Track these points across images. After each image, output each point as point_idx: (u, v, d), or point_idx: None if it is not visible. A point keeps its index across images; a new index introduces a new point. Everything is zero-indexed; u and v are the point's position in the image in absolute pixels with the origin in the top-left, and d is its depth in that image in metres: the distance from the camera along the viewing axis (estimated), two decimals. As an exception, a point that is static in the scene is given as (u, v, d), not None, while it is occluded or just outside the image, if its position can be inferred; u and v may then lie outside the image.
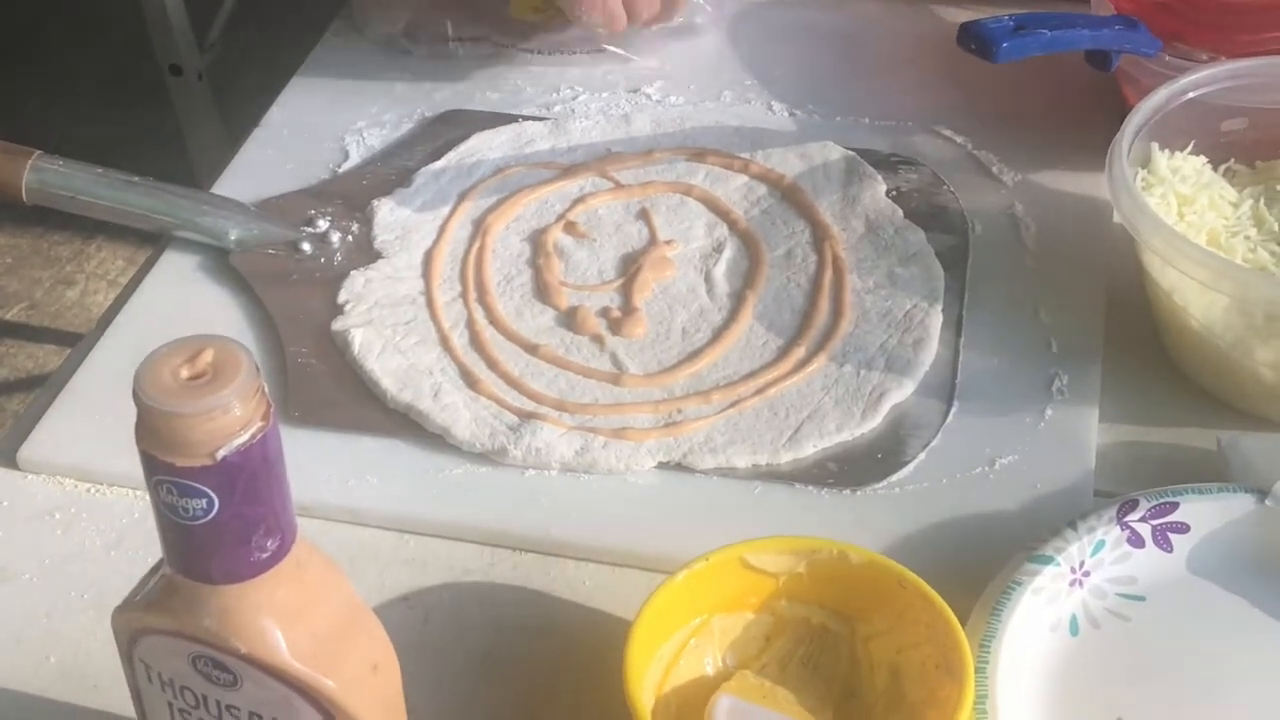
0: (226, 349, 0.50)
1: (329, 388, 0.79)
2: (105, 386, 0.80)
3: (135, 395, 0.48)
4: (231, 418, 0.48)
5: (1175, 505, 0.68)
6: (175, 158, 1.57)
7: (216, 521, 0.50)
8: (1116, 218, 0.88)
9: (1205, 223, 0.80)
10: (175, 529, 0.50)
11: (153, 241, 0.89)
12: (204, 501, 0.49)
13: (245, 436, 0.49)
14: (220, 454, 0.48)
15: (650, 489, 0.75)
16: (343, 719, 0.54)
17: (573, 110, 0.99)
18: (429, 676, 0.65)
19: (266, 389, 0.50)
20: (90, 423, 0.78)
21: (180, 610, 0.52)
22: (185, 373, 0.49)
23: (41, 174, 0.86)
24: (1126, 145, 0.79)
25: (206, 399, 0.48)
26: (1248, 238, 0.79)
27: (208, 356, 0.49)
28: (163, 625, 0.54)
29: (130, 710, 0.62)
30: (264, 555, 0.51)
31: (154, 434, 0.49)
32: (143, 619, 0.54)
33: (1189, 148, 0.83)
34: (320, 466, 0.75)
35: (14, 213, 2.39)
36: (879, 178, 0.91)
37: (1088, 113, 0.94)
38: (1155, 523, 0.68)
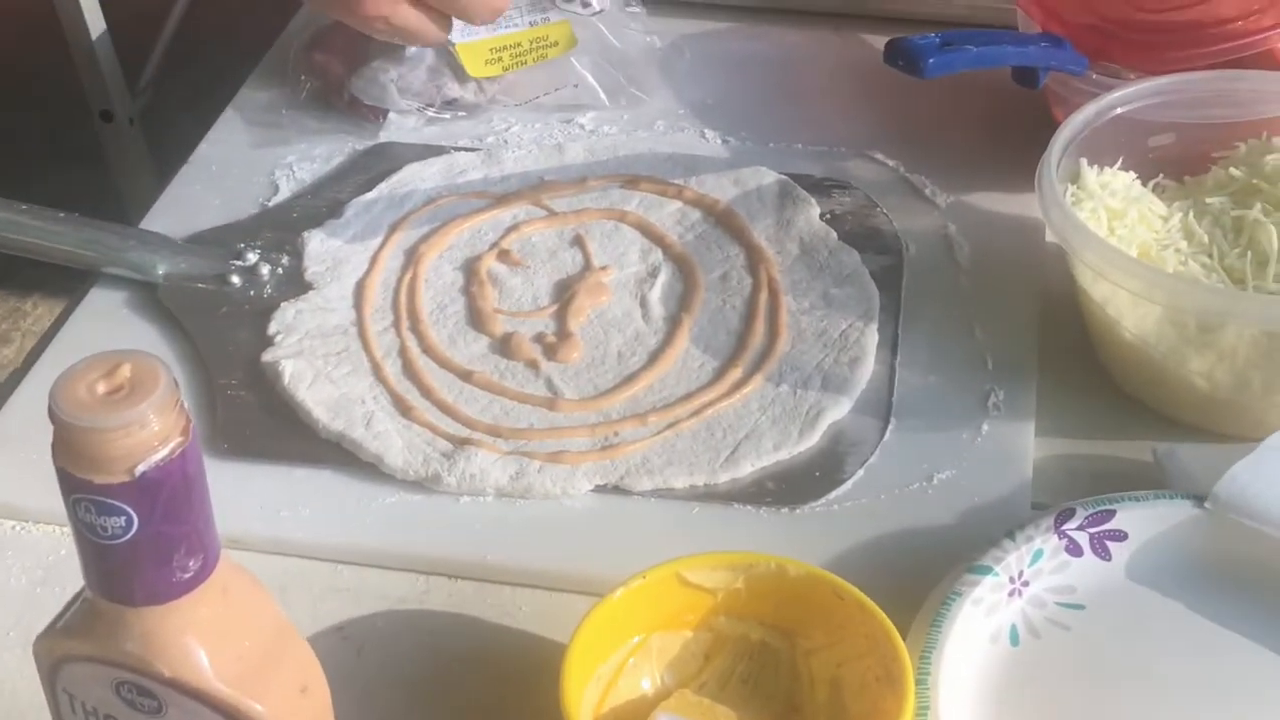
0: (144, 363, 0.48)
1: (260, 420, 0.78)
2: (30, 424, 0.77)
3: (50, 411, 0.47)
4: (149, 432, 0.47)
5: (1112, 513, 0.68)
6: (110, 207, 1.55)
7: (136, 540, 0.48)
8: (1049, 235, 0.89)
9: (1136, 237, 0.80)
10: (94, 549, 0.49)
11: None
12: (123, 520, 0.48)
13: (164, 452, 0.48)
14: (139, 470, 0.47)
15: (587, 512, 0.74)
16: (271, 743, 0.52)
17: (505, 141, 0.98)
18: (363, 707, 0.64)
19: (186, 404, 0.49)
20: (15, 460, 0.76)
21: (102, 635, 0.51)
22: (102, 388, 0.48)
23: (-36, 211, 0.85)
24: (1055, 160, 0.79)
25: (123, 413, 0.47)
26: (1178, 251, 0.79)
27: (125, 371, 0.48)
28: (84, 651, 0.52)
29: (55, 746, 0.60)
30: (186, 575, 0.50)
31: (70, 450, 0.47)
32: (64, 645, 0.53)
33: (1118, 163, 0.84)
34: (251, 498, 0.74)
35: (-53, 270, 2.38)
36: (812, 201, 0.91)
37: (1017, 134, 0.94)
38: (1093, 531, 0.68)
